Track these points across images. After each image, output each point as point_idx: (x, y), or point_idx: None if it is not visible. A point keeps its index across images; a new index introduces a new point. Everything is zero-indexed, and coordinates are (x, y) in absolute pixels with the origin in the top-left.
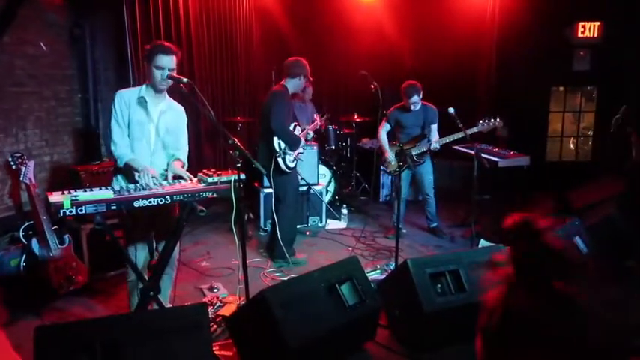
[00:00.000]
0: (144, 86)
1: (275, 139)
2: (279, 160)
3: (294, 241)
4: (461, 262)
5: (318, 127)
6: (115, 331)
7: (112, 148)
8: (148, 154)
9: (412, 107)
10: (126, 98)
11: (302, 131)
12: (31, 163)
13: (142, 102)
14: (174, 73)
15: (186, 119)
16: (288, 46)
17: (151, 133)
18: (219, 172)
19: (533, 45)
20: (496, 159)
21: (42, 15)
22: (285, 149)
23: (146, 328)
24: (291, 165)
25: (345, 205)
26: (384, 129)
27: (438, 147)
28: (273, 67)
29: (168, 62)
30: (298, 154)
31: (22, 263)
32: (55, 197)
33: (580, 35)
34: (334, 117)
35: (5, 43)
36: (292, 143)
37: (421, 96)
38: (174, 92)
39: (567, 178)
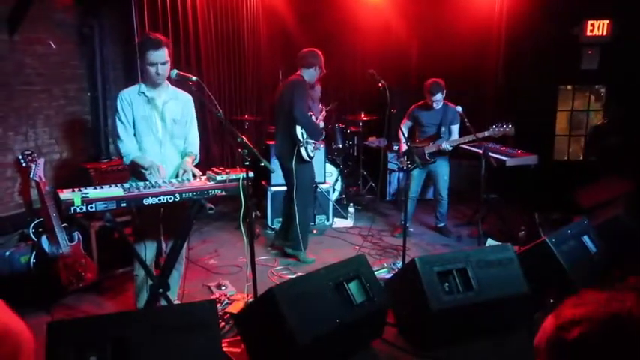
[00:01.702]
0: (142, 83)
1: (298, 128)
2: (302, 149)
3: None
4: (469, 260)
5: (325, 116)
6: (126, 327)
7: (119, 145)
8: (157, 147)
9: (435, 105)
10: (127, 97)
11: (316, 120)
12: (41, 161)
13: (143, 97)
14: (170, 68)
15: (193, 107)
16: (294, 45)
17: (158, 126)
18: (227, 170)
19: (541, 43)
20: (504, 158)
21: (51, 14)
22: (307, 138)
23: (156, 324)
24: (312, 154)
25: (352, 204)
26: (404, 125)
27: (449, 147)
28: (280, 65)
29: (159, 57)
30: (317, 143)
31: (32, 260)
32: (65, 194)
33: (589, 33)
34: (341, 115)
35: (15, 42)
36: (314, 131)
37: (444, 94)
38: (183, 89)
39: (575, 178)
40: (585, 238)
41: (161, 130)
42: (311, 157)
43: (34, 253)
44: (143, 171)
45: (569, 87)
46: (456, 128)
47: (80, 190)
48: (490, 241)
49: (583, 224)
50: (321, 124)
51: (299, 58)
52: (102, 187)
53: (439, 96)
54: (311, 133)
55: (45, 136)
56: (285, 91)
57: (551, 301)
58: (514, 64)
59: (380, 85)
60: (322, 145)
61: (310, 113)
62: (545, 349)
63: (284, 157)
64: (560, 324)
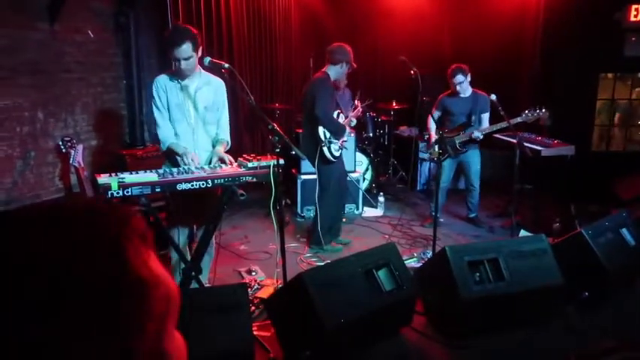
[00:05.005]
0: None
1: (320, 128)
2: (325, 149)
3: (340, 230)
4: (500, 251)
5: (360, 113)
6: None
7: (158, 131)
8: (190, 134)
9: (458, 89)
10: (161, 83)
11: (345, 118)
12: (80, 147)
13: (176, 84)
14: (202, 56)
15: (225, 92)
16: (326, 32)
17: (190, 113)
18: (258, 157)
19: (582, 29)
20: (539, 147)
21: (89, 3)
22: (330, 138)
23: (190, 305)
24: (337, 154)
25: (381, 193)
26: (434, 115)
27: (481, 136)
28: (311, 54)
29: (182, 52)
30: (343, 142)
31: None
32: (103, 179)
33: (633, 19)
34: (372, 104)
35: (56, 31)
36: (337, 131)
37: (468, 78)
38: (216, 75)
39: (615, 170)
40: (624, 230)
41: (194, 117)
42: (336, 157)
43: None
44: (177, 157)
45: (610, 75)
46: (486, 117)
47: (117, 175)
48: (523, 233)
49: (622, 216)
50: (353, 122)
51: (326, 54)
52: (137, 173)
53: (459, 78)
54: (333, 132)
55: (83, 123)
56: (308, 91)
57: (586, 294)
58: (552, 51)
59: (412, 72)
60: (353, 134)
61: (338, 111)
62: None
63: (309, 158)
64: None
